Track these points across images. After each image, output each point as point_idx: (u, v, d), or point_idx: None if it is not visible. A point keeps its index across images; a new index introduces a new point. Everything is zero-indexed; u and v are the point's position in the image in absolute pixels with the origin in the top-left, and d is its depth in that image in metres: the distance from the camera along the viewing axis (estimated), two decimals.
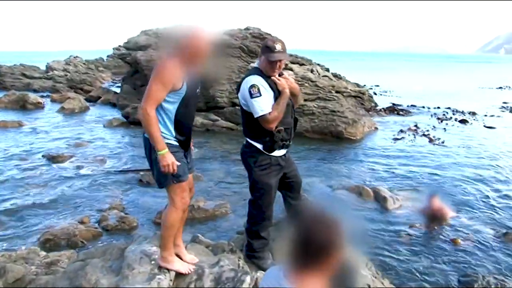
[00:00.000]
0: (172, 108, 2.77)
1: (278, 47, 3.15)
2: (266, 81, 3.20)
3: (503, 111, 17.75)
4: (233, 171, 7.72)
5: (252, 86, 3.15)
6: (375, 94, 22.43)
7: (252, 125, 3.27)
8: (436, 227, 5.63)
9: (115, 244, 3.39)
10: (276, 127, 3.22)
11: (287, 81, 3.33)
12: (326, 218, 1.39)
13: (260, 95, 3.13)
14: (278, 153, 3.34)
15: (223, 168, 8.05)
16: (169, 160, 2.68)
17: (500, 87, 28.52)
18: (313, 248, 1.36)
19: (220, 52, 11.40)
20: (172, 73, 2.67)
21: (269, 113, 3.13)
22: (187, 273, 2.91)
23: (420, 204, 6.17)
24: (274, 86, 3.21)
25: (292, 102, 3.39)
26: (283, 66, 3.29)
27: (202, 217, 5.60)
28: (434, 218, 5.77)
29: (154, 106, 2.67)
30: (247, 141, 3.40)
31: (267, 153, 3.30)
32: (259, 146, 3.30)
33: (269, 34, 13.10)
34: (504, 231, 5.45)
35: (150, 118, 2.64)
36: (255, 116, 3.17)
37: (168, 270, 2.85)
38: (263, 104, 3.13)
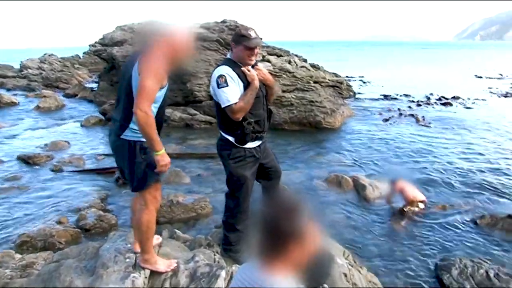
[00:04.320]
0: (153, 108, 2.66)
1: (253, 34, 3.17)
2: (236, 72, 3.19)
3: (491, 95, 18.17)
4: (212, 166, 7.69)
5: (220, 76, 3.15)
6: (364, 82, 22.64)
7: (224, 117, 3.26)
8: (407, 210, 5.69)
9: (90, 244, 3.35)
10: (246, 119, 3.22)
11: (259, 72, 3.31)
12: (287, 205, 1.40)
13: (227, 85, 3.12)
14: (251, 145, 3.33)
15: (202, 163, 8.02)
16: (166, 160, 2.62)
17: (501, 76, 27.62)
18: (274, 235, 1.36)
19: (197, 48, 11.32)
20: (163, 67, 2.58)
21: (235, 103, 3.12)
22: (169, 270, 2.88)
23: (384, 189, 6.24)
24: (244, 77, 3.20)
25: (263, 94, 3.37)
26: (258, 54, 3.28)
27: (181, 212, 5.56)
28: (405, 201, 5.82)
29: (151, 104, 2.52)
30: (221, 134, 3.40)
31: (240, 145, 3.29)
32: (231, 139, 3.30)
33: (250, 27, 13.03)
34: (480, 214, 5.55)
35: (150, 118, 2.48)
36: (222, 106, 3.16)
37: (143, 268, 2.83)
38: (230, 95, 3.12)
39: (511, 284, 3.89)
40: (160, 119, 2.79)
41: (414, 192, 5.86)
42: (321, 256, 3.04)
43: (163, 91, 2.69)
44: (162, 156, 2.60)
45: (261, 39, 3.41)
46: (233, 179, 3.41)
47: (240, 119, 3.19)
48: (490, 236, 5.05)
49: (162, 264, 2.90)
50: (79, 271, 2.88)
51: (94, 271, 2.85)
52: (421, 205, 5.77)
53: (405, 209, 5.70)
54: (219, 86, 3.14)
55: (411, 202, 5.75)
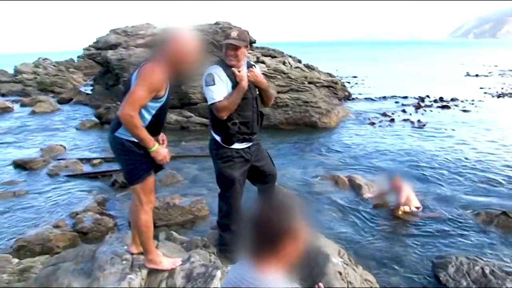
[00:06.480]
0: (148, 115, 2.73)
1: (233, 34, 3.21)
2: (227, 72, 3.23)
3: (485, 95, 18.00)
4: (208, 167, 7.66)
5: (208, 74, 3.23)
6: (357, 83, 22.65)
7: (214, 117, 3.31)
8: (402, 210, 5.67)
9: (86, 247, 3.37)
10: (232, 120, 3.25)
11: (252, 74, 3.32)
12: (280, 203, 1.41)
13: (214, 83, 3.17)
14: (238, 146, 3.36)
15: (198, 165, 8.03)
16: (161, 155, 2.73)
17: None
18: (267, 233, 1.35)
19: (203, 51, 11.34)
20: (159, 79, 2.63)
21: (219, 101, 3.16)
22: (175, 267, 2.92)
23: (380, 187, 6.24)
24: (234, 78, 3.23)
25: (253, 96, 3.39)
26: (242, 56, 3.27)
27: (178, 215, 5.58)
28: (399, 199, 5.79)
29: (137, 110, 2.60)
30: (211, 134, 3.45)
31: (226, 146, 3.33)
32: (219, 138, 3.35)
33: (239, 28, 13.06)
34: (476, 211, 5.58)
35: (135, 120, 2.58)
36: (208, 103, 3.23)
37: (140, 268, 2.86)
38: (215, 93, 3.17)
39: (506, 280, 3.89)
40: (160, 124, 2.87)
41: (411, 195, 5.74)
42: (314, 255, 3.07)
43: (162, 101, 2.75)
44: (156, 152, 2.71)
45: (254, 41, 3.46)
46: (221, 179, 3.47)
47: (225, 117, 3.22)
48: (486, 233, 5.07)
49: (167, 262, 2.94)
50: (76, 274, 2.91)
51: (91, 273, 2.87)
52: (417, 204, 5.74)
53: (400, 209, 5.67)
54: (206, 84, 3.22)
55: (405, 202, 5.67)
